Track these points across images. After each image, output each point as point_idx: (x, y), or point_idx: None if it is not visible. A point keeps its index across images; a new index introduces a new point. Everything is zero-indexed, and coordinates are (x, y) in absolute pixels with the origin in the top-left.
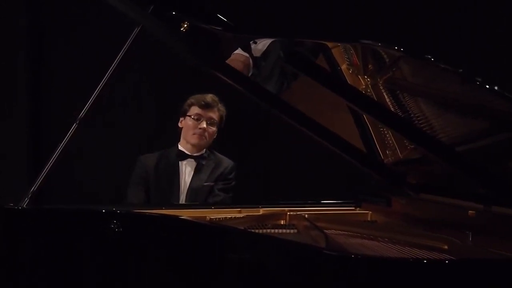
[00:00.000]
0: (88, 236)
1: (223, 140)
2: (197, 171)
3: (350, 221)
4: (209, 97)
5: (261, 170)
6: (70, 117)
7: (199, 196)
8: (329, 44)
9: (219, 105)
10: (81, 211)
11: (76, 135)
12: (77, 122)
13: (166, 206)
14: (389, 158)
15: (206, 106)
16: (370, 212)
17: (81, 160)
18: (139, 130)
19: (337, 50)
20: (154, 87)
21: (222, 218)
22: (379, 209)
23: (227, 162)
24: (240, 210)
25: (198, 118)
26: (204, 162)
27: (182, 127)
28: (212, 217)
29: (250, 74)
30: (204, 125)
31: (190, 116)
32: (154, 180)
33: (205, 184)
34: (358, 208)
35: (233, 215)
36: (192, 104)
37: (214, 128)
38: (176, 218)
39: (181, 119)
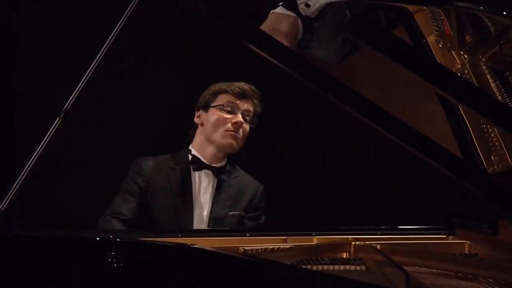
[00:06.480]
0: (77, 274)
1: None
2: (218, 191)
3: (440, 254)
4: (246, 85)
5: (313, 184)
6: (49, 115)
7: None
8: (411, 8)
9: (256, 98)
10: (67, 240)
11: (59, 135)
12: (61, 116)
13: (183, 232)
14: (495, 167)
15: (242, 95)
16: (468, 241)
17: (66, 170)
18: (140, 133)
19: (422, 16)
20: (155, 78)
21: (261, 249)
22: (481, 237)
23: (254, 184)
24: (286, 238)
25: (232, 110)
26: (225, 178)
27: (200, 124)
28: (247, 248)
29: (298, 40)
30: (240, 118)
31: (218, 106)
32: (155, 191)
33: (231, 213)
34: (451, 237)
35: (276, 245)
36: (221, 92)
37: (248, 127)
38: (198, 249)
39: (198, 112)
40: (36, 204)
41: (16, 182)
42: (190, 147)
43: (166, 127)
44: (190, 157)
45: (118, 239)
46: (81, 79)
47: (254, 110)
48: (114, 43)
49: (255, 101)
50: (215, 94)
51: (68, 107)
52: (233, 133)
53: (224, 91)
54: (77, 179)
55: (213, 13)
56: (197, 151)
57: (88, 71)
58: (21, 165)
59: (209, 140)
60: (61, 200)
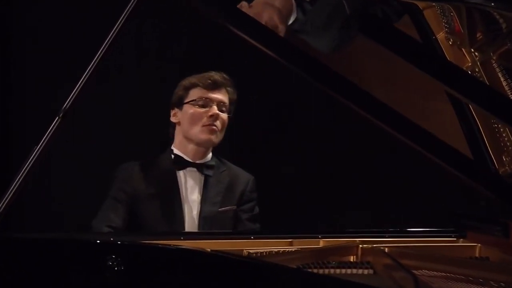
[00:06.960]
0: (76, 277)
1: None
2: (205, 188)
3: (450, 258)
4: (216, 75)
5: (316, 184)
6: (48, 114)
7: (216, 227)
8: (420, 4)
9: (229, 85)
10: (67, 242)
11: (58, 134)
12: (60, 115)
13: (186, 235)
14: (507, 168)
15: (213, 86)
16: (479, 244)
17: (66, 169)
18: (141, 131)
19: (432, 12)
20: (156, 76)
21: (266, 252)
22: (492, 240)
23: (244, 176)
24: (291, 241)
25: (205, 103)
26: (211, 174)
27: (177, 122)
28: (251, 251)
29: (290, 22)
30: (215, 109)
31: (191, 102)
32: (142, 196)
33: (221, 209)
34: (461, 240)
35: (281, 248)
36: (192, 86)
37: (226, 116)
38: (199, 252)
39: (173, 111)
40: (35, 205)
41: (15, 183)
42: (172, 147)
43: (168, 125)
44: (173, 157)
45: (118, 242)
46: (80, 78)
47: (229, 99)
48: (113, 42)
49: (228, 89)
50: (187, 89)
51: (67, 106)
52: (210, 127)
53: (194, 85)
54: (77, 179)
55: (219, 10)
56: (179, 150)
57: (87, 70)
58: (20, 165)
59: (188, 138)
60: (61, 200)
